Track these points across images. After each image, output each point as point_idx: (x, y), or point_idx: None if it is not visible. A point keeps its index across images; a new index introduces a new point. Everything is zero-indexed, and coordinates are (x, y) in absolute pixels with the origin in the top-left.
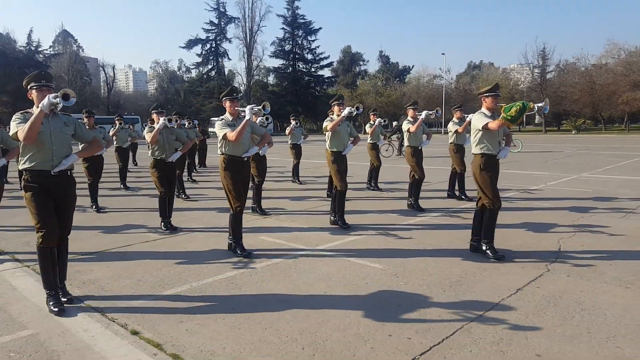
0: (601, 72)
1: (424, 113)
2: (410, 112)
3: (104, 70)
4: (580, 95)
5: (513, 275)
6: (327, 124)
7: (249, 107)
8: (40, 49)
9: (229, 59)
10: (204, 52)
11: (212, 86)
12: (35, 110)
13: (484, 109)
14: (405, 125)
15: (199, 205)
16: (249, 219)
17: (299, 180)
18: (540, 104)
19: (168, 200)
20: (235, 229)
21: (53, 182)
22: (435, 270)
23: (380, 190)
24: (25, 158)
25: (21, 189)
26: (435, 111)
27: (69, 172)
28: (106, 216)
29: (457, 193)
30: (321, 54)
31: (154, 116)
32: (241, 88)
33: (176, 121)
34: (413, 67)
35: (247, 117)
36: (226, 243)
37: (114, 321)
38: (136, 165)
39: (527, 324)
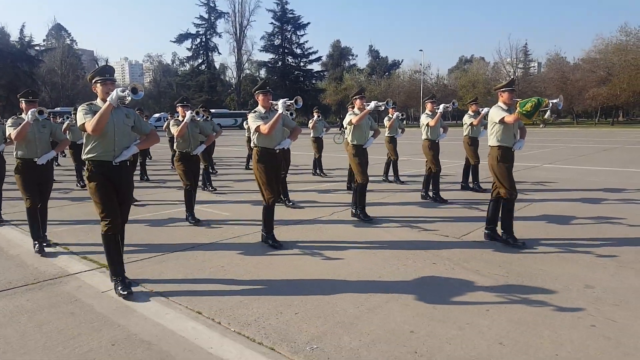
0: (571, 68)
1: (441, 106)
2: (429, 106)
3: (97, 64)
4: (554, 90)
5: (560, 264)
6: (351, 118)
7: (281, 100)
8: (32, 44)
9: (219, 53)
10: (194, 47)
11: (202, 80)
12: (100, 103)
13: (500, 103)
14: (424, 119)
15: (228, 198)
16: (277, 211)
17: (323, 173)
18: (554, 100)
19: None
20: (268, 221)
21: (115, 171)
22: (469, 257)
23: (401, 183)
24: (89, 149)
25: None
26: (452, 103)
27: (127, 162)
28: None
29: (471, 185)
30: (310, 48)
31: (179, 109)
32: (232, 82)
33: (198, 113)
34: (402, 61)
35: (279, 111)
36: (259, 234)
37: (182, 305)
38: (150, 158)
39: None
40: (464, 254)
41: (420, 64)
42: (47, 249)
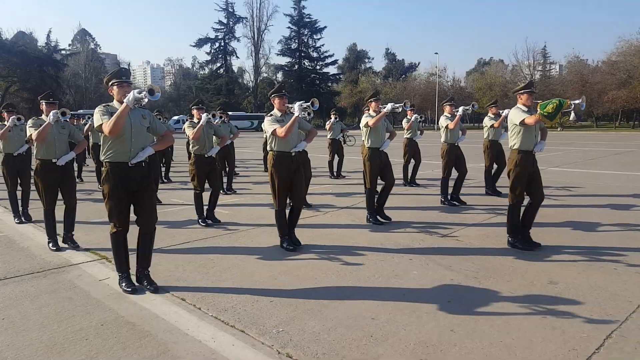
0: (590, 70)
1: (461, 109)
2: (447, 109)
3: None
4: (572, 93)
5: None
6: (367, 120)
7: (297, 103)
8: (58, 48)
9: (237, 57)
10: (212, 51)
11: (220, 83)
12: (117, 105)
13: (520, 105)
14: (443, 121)
15: (247, 200)
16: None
17: (340, 175)
18: (577, 101)
19: (212, 193)
20: (281, 225)
21: (130, 173)
22: (485, 264)
23: (417, 186)
24: (106, 150)
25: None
26: (471, 105)
27: (143, 163)
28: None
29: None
30: (326, 52)
31: (194, 112)
32: (249, 85)
33: (220, 117)
34: (419, 64)
35: (296, 114)
36: (277, 238)
37: (168, 293)
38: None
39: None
40: (481, 260)
41: (436, 67)
42: (69, 249)
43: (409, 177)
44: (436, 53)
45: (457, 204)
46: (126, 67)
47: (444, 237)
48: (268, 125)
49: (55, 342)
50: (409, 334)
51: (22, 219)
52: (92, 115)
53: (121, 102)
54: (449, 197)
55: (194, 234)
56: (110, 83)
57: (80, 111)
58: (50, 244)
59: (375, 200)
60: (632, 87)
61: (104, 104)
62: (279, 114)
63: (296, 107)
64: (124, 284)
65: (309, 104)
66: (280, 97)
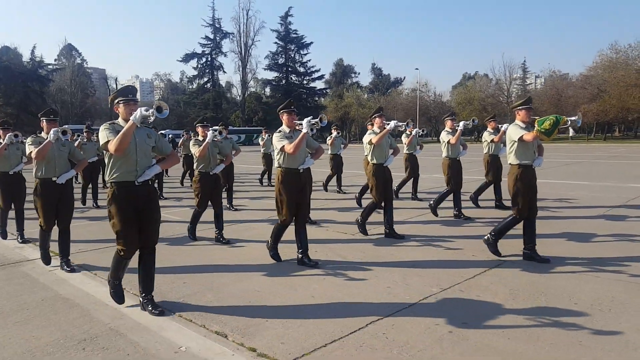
0: (565, 85)
1: (461, 124)
2: (449, 123)
3: (107, 83)
4: (548, 106)
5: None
6: (370, 137)
7: (306, 120)
8: (43, 64)
9: (224, 71)
10: (199, 66)
11: (207, 98)
12: (122, 123)
13: (518, 121)
14: (445, 136)
15: (247, 216)
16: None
17: (341, 190)
18: (573, 118)
19: (216, 216)
20: (277, 237)
21: (137, 192)
22: (489, 276)
23: (419, 200)
24: (112, 169)
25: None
26: (472, 120)
27: (150, 182)
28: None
29: (497, 203)
30: (312, 67)
31: (199, 129)
32: (237, 99)
33: (220, 133)
34: (405, 78)
35: (304, 130)
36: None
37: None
38: (168, 176)
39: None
40: (485, 273)
41: (417, 82)
42: (65, 271)
43: (413, 191)
44: (417, 69)
45: (464, 217)
46: (132, 85)
47: (447, 250)
48: (277, 141)
49: (2, 311)
50: (422, 348)
51: (6, 235)
52: (82, 131)
53: (127, 120)
54: (455, 211)
55: (194, 250)
56: (116, 101)
57: (66, 126)
58: (44, 260)
59: (385, 221)
60: (602, 101)
61: (109, 122)
62: (287, 130)
63: (305, 124)
64: (112, 292)
65: (317, 120)
66: (289, 114)
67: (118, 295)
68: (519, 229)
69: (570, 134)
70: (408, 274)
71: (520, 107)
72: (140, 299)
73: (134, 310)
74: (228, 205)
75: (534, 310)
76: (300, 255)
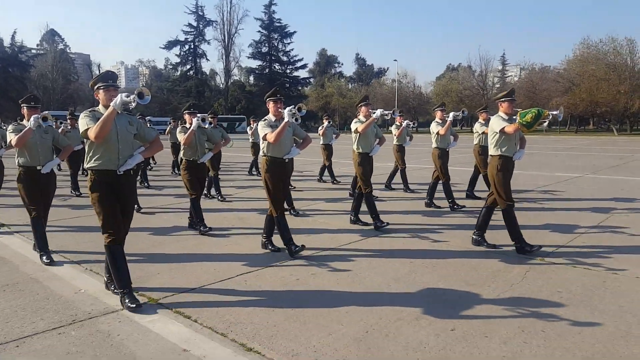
0: (540, 78)
1: (451, 114)
2: (438, 114)
3: (90, 68)
4: (523, 99)
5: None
6: (356, 126)
7: (287, 109)
8: (24, 49)
9: (207, 59)
10: (182, 53)
11: (190, 85)
12: (102, 110)
13: (501, 113)
14: (434, 127)
15: (236, 206)
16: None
17: (335, 180)
18: (555, 112)
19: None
20: (270, 227)
21: (119, 181)
22: (472, 267)
23: (411, 192)
24: (92, 158)
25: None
26: (461, 112)
27: (131, 171)
28: (143, 217)
29: (476, 194)
30: (295, 56)
31: (186, 117)
32: (220, 87)
33: (204, 121)
34: (388, 68)
35: (285, 119)
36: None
37: (192, 320)
38: (155, 163)
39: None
40: (468, 264)
41: (397, 74)
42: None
43: (391, 182)
44: (395, 60)
45: (437, 207)
46: (113, 71)
47: (435, 242)
48: (261, 129)
49: None
50: (407, 338)
51: None
52: (65, 118)
53: (107, 107)
54: (449, 201)
55: (182, 240)
56: (96, 87)
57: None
58: (44, 257)
59: (352, 208)
60: (572, 94)
61: (89, 109)
62: (273, 118)
63: (286, 113)
64: (127, 300)
65: (296, 109)
66: (275, 102)
67: (135, 303)
68: (501, 219)
69: (545, 127)
70: (395, 264)
71: (503, 99)
72: (105, 279)
73: (58, 268)
74: (217, 195)
75: (515, 301)
76: (264, 240)
